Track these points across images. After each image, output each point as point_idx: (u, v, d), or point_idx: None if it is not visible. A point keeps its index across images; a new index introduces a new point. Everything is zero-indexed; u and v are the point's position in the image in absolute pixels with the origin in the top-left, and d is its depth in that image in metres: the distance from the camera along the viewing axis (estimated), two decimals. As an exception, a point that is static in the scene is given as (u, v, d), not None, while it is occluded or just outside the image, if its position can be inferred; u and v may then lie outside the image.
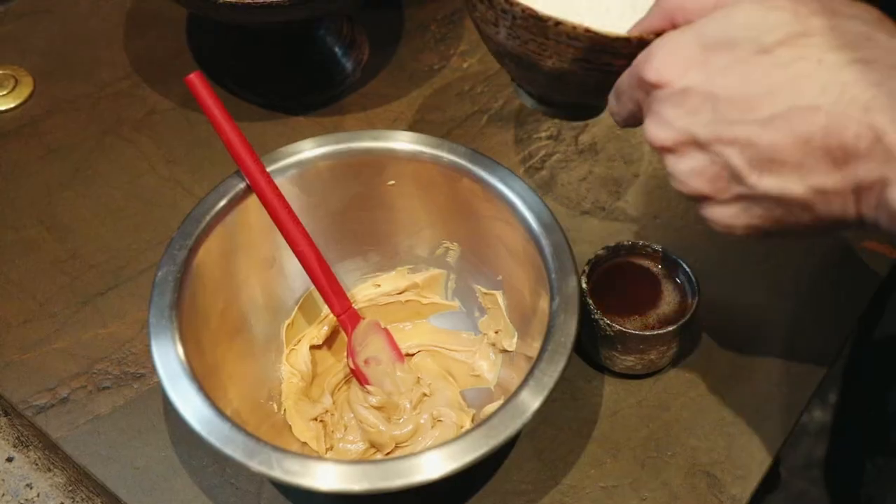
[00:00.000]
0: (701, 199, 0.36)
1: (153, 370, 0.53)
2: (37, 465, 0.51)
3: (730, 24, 0.34)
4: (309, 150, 0.50)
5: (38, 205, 0.62)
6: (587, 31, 0.41)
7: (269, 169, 0.49)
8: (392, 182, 0.51)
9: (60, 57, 0.70)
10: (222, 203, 0.48)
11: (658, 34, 0.38)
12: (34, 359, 0.54)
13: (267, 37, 0.68)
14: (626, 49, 0.40)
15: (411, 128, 0.65)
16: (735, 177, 0.34)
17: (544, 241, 0.47)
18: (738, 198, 0.35)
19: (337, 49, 0.69)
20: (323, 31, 0.69)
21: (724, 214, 0.36)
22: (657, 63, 0.36)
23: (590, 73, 0.42)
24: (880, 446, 0.63)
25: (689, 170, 0.36)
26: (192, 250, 0.47)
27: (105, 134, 0.65)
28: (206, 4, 0.56)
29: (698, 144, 0.35)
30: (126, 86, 0.68)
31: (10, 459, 0.51)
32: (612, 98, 0.41)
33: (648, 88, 0.36)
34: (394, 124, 0.66)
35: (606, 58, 0.41)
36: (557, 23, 0.41)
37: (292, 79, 0.68)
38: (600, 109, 0.50)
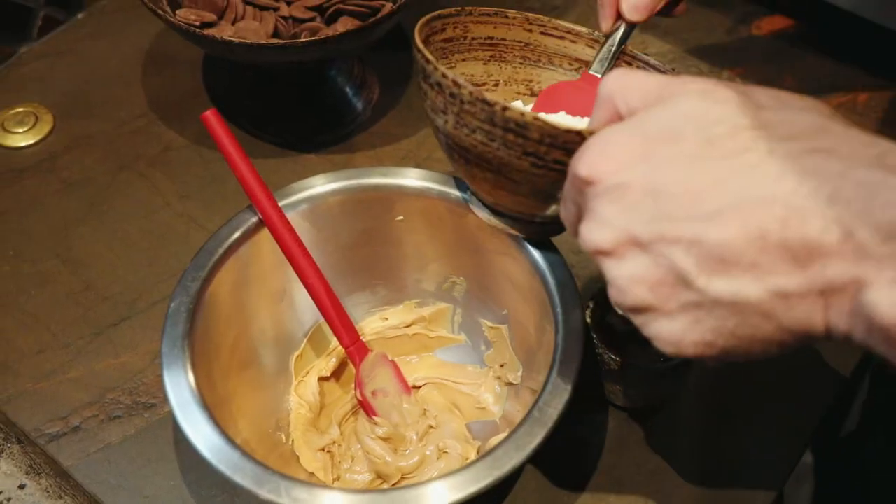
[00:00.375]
0: (644, 310, 0.32)
1: (164, 400, 0.54)
2: (48, 492, 0.52)
3: (673, 116, 0.31)
4: (320, 185, 0.52)
5: (55, 238, 0.63)
6: (535, 119, 0.38)
7: (280, 203, 0.50)
8: (401, 218, 0.53)
9: (80, 95, 0.72)
10: (235, 236, 0.50)
11: None
12: (47, 388, 0.55)
13: (281, 77, 0.70)
14: (578, 142, 0.36)
15: (419, 165, 0.67)
16: (681, 280, 0.30)
17: (549, 277, 0.48)
18: (687, 307, 0.30)
19: (348, 89, 0.72)
20: (335, 71, 0.71)
21: (671, 329, 0.31)
22: (590, 157, 0.32)
23: (540, 173, 0.40)
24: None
25: (629, 276, 0.31)
26: (205, 282, 0.48)
27: (121, 170, 0.67)
28: (223, 45, 0.58)
29: (639, 245, 0.31)
30: (142, 123, 0.70)
31: (22, 487, 0.52)
32: (561, 202, 0.37)
33: (582, 186, 0.33)
34: (402, 162, 0.68)
35: (558, 154, 0.39)
36: (504, 108, 0.39)
37: (305, 118, 0.70)
38: (562, 226, 0.43)
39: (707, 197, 0.29)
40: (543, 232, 0.48)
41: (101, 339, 0.58)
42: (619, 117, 0.34)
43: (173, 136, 0.69)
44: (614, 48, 0.50)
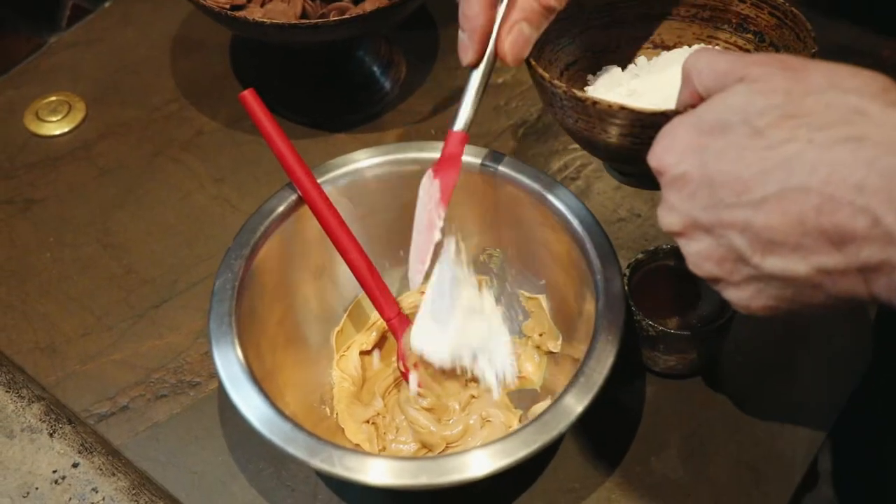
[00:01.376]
0: (716, 281, 0.37)
1: (208, 378, 0.56)
2: (101, 470, 0.54)
3: (725, 109, 0.35)
4: (359, 161, 0.53)
5: (94, 224, 0.65)
6: (622, 108, 0.43)
7: (320, 180, 0.52)
8: None
9: (111, 83, 0.74)
10: (276, 213, 0.52)
11: (694, 107, 0.38)
12: (94, 370, 0.57)
13: (309, 58, 0.71)
14: (665, 122, 0.39)
15: (450, 142, 0.68)
16: (740, 259, 0.35)
17: (589, 245, 0.49)
18: (749, 279, 0.35)
19: (376, 68, 0.73)
20: (362, 51, 0.72)
21: (740, 297, 0.36)
22: (657, 150, 0.37)
23: (641, 147, 0.43)
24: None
25: (697, 252, 0.36)
26: (249, 259, 0.50)
27: (155, 155, 0.69)
28: (255, 27, 0.59)
29: (702, 228, 0.35)
30: (174, 108, 0.72)
31: (75, 465, 0.54)
32: None
33: (655, 175, 0.38)
34: (432, 139, 0.69)
35: (651, 132, 0.41)
36: (595, 102, 0.44)
37: (333, 98, 0.71)
38: None
39: (753, 185, 0.33)
40: None
41: (143, 321, 0.60)
42: (698, 96, 0.38)
43: (205, 120, 0.71)
44: (472, 98, 0.48)
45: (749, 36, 0.51)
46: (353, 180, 0.53)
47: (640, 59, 0.53)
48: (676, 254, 0.55)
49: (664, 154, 0.36)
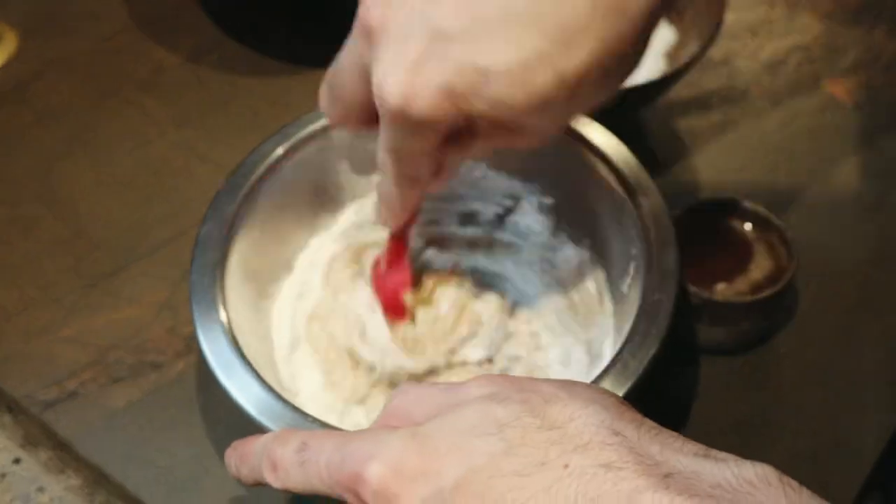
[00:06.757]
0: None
1: (174, 357, 0.55)
2: (47, 466, 0.53)
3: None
4: None
5: (34, 178, 0.63)
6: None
7: (313, 127, 0.51)
8: None
9: (48, 8, 0.72)
10: (277, 154, 0.51)
11: None
12: (39, 349, 0.56)
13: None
14: None
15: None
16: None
17: (643, 202, 0.48)
18: None
19: (365, -8, 0.71)
20: (348, -29, 0.70)
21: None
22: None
23: None
24: None
25: None
26: (241, 206, 0.49)
27: (105, 96, 0.67)
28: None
29: None
30: (126, 40, 0.70)
31: (17, 461, 0.53)
32: None
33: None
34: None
35: None
36: None
37: (316, 28, 0.70)
38: None
39: None
40: None
41: (96, 292, 0.58)
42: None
43: (164, 54, 0.69)
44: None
45: None
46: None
47: None
48: (724, 208, 0.54)
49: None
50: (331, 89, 0.44)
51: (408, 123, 0.38)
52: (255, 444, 0.38)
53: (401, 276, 0.50)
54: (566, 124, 0.49)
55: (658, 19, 0.37)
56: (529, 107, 0.36)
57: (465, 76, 0.36)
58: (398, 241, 0.50)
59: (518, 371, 0.50)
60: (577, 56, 0.35)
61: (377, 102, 0.38)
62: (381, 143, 0.41)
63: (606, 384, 0.43)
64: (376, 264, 0.51)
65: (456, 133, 0.39)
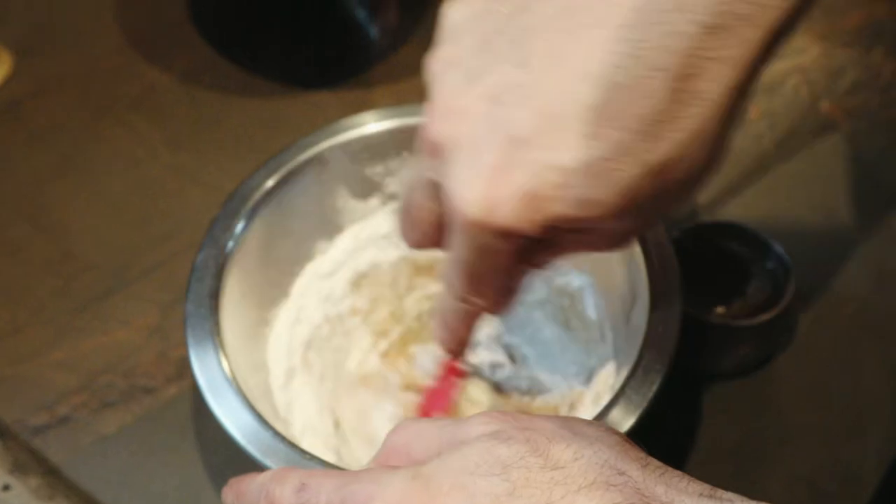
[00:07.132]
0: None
1: (165, 382, 0.55)
2: (37, 493, 0.52)
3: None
4: (372, 123, 0.52)
5: (24, 199, 0.63)
6: None
7: (328, 144, 0.51)
8: None
9: (43, 29, 0.72)
10: (269, 184, 0.50)
11: None
12: (29, 373, 0.56)
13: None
14: None
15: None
16: None
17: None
18: None
19: (361, 13, 0.72)
20: (344, -9, 0.71)
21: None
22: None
23: None
24: None
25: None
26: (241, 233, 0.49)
27: (98, 116, 0.67)
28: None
29: None
30: (120, 61, 0.70)
31: (6, 488, 0.52)
32: None
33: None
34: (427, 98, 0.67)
35: None
36: None
37: (311, 49, 0.70)
38: None
39: None
40: None
41: (86, 315, 0.58)
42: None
43: (157, 74, 0.69)
44: None
45: None
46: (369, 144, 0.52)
47: None
48: (721, 231, 0.54)
49: None
50: (407, 214, 0.42)
51: (487, 235, 0.36)
52: (252, 482, 0.37)
53: (447, 397, 0.49)
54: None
55: (739, 105, 0.34)
56: (616, 203, 0.34)
57: (548, 178, 0.34)
58: (452, 365, 0.48)
59: (517, 399, 0.50)
60: (662, 146, 0.33)
61: (452, 217, 0.36)
62: (452, 259, 0.39)
63: (610, 419, 0.43)
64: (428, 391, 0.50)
65: (530, 245, 0.37)
